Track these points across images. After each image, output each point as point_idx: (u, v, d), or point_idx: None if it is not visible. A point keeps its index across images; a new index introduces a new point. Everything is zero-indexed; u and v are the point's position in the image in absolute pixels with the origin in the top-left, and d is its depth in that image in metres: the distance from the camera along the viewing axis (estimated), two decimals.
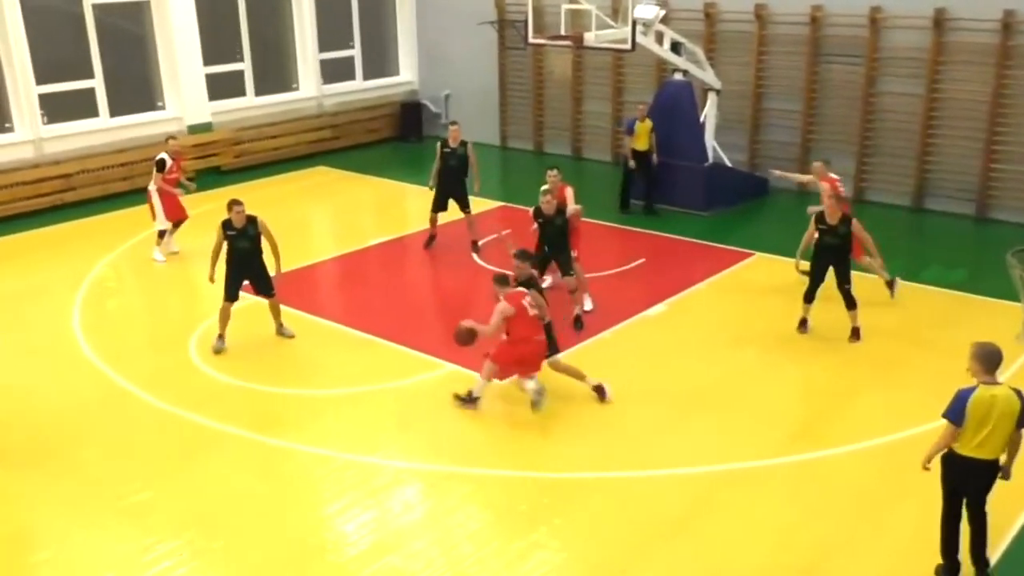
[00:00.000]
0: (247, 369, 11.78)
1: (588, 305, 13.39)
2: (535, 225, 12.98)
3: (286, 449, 10.02)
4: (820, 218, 12.28)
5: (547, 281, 13.65)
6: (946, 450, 7.58)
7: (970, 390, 7.37)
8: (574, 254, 13.30)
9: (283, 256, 14.24)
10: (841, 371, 11.60)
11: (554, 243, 12.94)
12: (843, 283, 12.38)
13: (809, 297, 12.56)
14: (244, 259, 12.20)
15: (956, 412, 7.38)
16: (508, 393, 11.17)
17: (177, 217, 15.63)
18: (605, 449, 9.98)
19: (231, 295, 12.27)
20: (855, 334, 12.39)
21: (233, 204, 12.11)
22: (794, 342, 12.41)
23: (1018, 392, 7.36)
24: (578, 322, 12.97)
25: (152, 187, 15.39)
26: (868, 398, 10.96)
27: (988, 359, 7.40)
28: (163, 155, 15.35)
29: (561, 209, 12.97)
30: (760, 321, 12.98)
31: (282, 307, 13.39)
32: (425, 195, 16.04)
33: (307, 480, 9.51)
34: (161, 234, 15.50)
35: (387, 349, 12.37)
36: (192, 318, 13.12)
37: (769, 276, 14.67)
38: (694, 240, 16.36)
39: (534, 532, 8.67)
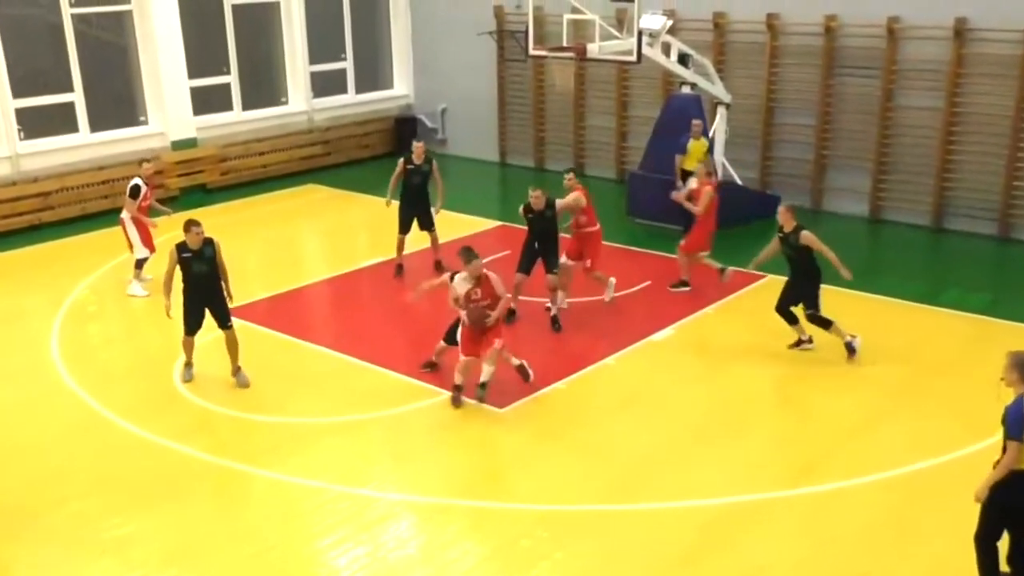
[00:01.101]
0: (234, 397, 11.86)
1: (608, 296, 14.54)
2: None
3: (275, 481, 10.08)
4: (780, 226, 12.62)
5: (561, 302, 13.93)
6: (1007, 473, 7.60)
7: (1019, 403, 7.45)
8: (588, 263, 14.16)
9: (271, 278, 14.25)
10: (857, 398, 11.67)
11: (543, 238, 13.57)
12: (804, 309, 12.67)
13: (783, 317, 12.85)
14: (201, 284, 11.91)
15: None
16: (508, 420, 11.27)
17: (150, 249, 15.30)
18: (609, 480, 10.05)
19: (191, 327, 12.10)
20: (849, 350, 12.60)
21: (192, 224, 11.75)
22: (808, 368, 12.50)
23: None
24: (555, 323, 13.69)
25: (125, 215, 15.11)
26: (885, 427, 11.03)
27: None
28: (136, 180, 15.01)
29: (550, 203, 13.48)
30: (772, 346, 13.06)
31: (270, 332, 13.49)
32: None
33: (297, 513, 9.56)
34: (139, 263, 15.19)
35: (381, 376, 12.45)
36: (176, 343, 13.10)
37: None
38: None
39: (534, 568, 8.72)
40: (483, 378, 11.54)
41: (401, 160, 15.72)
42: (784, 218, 12.56)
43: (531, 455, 10.66)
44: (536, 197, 13.42)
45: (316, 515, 9.51)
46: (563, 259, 14.13)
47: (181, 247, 11.77)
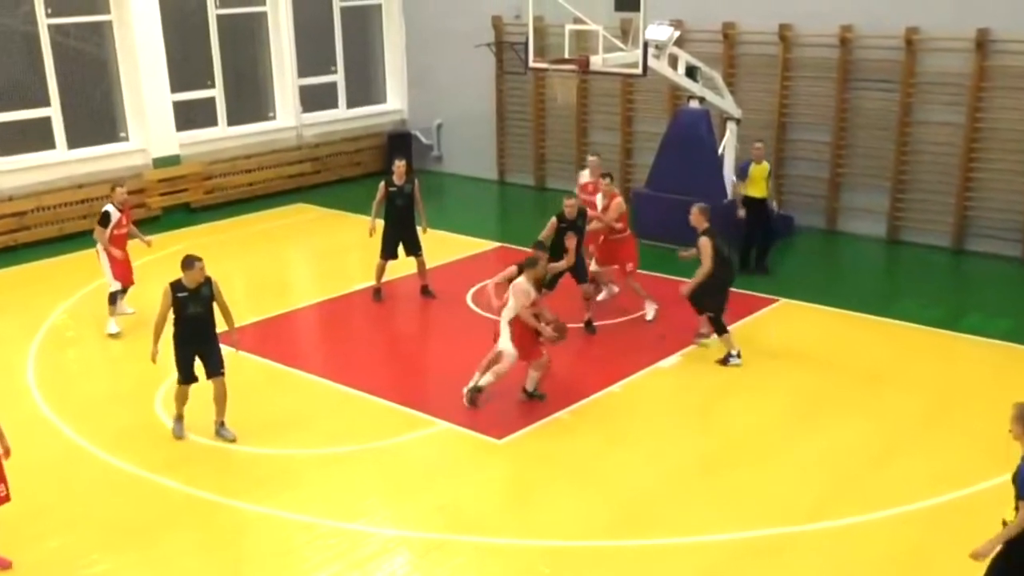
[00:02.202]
0: None
1: (650, 314, 14.97)
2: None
3: (263, 515, 10.14)
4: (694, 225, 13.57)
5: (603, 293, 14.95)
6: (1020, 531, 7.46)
7: None
8: (629, 267, 14.78)
9: (259, 303, 14.26)
10: (874, 429, 11.72)
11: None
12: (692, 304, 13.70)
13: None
14: (196, 327, 11.34)
15: None
16: (507, 451, 11.34)
17: (125, 281, 14.93)
18: (615, 514, 10.11)
19: (188, 376, 11.51)
20: (698, 336, 14.02)
21: (194, 260, 11.19)
22: (823, 396, 12.56)
23: None
24: (589, 326, 14.50)
25: (99, 244, 14.69)
26: (904, 458, 11.08)
27: None
28: (108, 207, 14.56)
29: (582, 211, 13.98)
30: (785, 373, 13.15)
31: (257, 359, 13.52)
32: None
33: (286, 550, 9.59)
34: (112, 298, 14.79)
35: (374, 405, 12.51)
36: (158, 370, 13.15)
37: (796, 324, 14.84)
38: None
39: None
40: (531, 386, 12.35)
41: (382, 183, 15.65)
42: (696, 218, 13.36)
43: (532, 488, 10.73)
44: (571, 205, 13.84)
45: (306, 552, 9.54)
46: (593, 266, 14.86)
47: (176, 286, 11.20)
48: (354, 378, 13.17)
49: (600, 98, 21.99)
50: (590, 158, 15.96)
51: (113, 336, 14.71)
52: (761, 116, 19.57)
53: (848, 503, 10.23)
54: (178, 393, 11.65)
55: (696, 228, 13.24)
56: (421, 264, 15.95)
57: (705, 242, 13.14)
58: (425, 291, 16.01)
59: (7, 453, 9.20)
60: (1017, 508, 7.38)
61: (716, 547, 9.57)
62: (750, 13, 19.59)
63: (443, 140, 24.99)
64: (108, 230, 14.51)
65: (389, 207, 15.63)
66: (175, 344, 11.49)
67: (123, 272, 14.88)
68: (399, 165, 15.64)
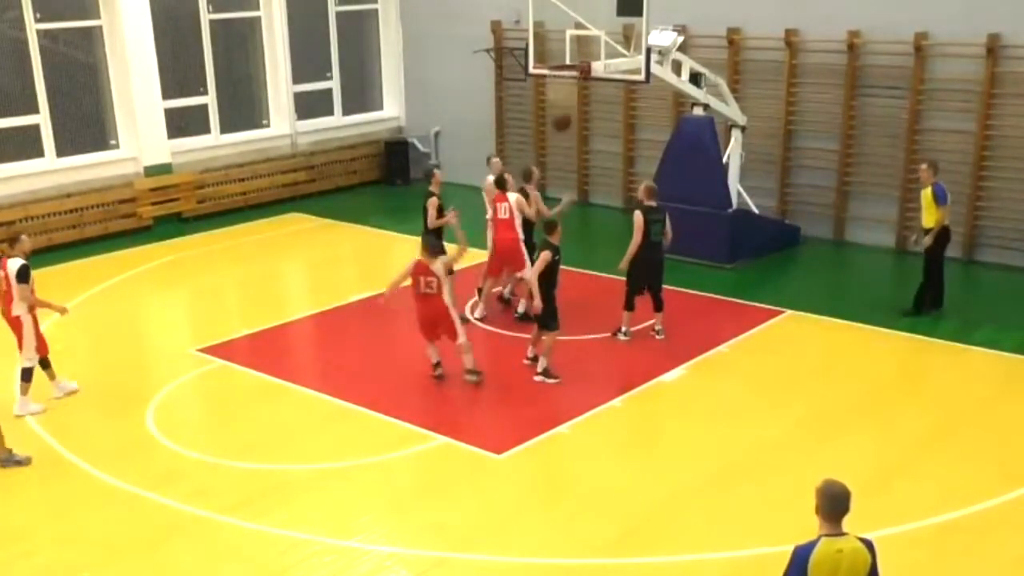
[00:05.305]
0: (213, 442, 11.95)
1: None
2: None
3: (256, 532, 10.17)
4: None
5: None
6: None
7: (810, 546, 6.68)
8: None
9: (252, 314, 14.28)
10: (882, 444, 11.74)
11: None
12: None
13: None
14: None
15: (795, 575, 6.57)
16: (506, 467, 11.38)
17: (45, 351, 13.12)
18: (615, 531, 10.14)
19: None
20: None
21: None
22: (829, 411, 12.59)
23: (868, 543, 6.81)
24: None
25: (20, 309, 12.69)
26: (913, 475, 11.10)
27: (834, 503, 6.81)
28: (21, 260, 12.72)
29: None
30: (791, 388, 13.19)
31: (251, 372, 13.54)
32: (413, 243, 16.08)
33: (280, 567, 9.62)
34: (26, 374, 12.76)
35: (370, 419, 12.56)
36: (150, 383, 13.26)
37: (802, 337, 14.87)
38: (716, 296, 16.55)
39: None
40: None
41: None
42: (641, 193, 14.57)
43: (531, 504, 10.76)
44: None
45: (300, 570, 9.57)
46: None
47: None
48: (350, 391, 13.22)
49: (602, 105, 22.07)
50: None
51: (30, 413, 12.81)
52: (767, 123, 19.67)
53: (854, 521, 10.12)
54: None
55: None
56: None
57: (637, 215, 14.28)
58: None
59: None
60: None
61: (720, 565, 9.61)
62: (755, 18, 19.67)
63: (441, 148, 25.05)
64: (31, 285, 12.76)
65: None
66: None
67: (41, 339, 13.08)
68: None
